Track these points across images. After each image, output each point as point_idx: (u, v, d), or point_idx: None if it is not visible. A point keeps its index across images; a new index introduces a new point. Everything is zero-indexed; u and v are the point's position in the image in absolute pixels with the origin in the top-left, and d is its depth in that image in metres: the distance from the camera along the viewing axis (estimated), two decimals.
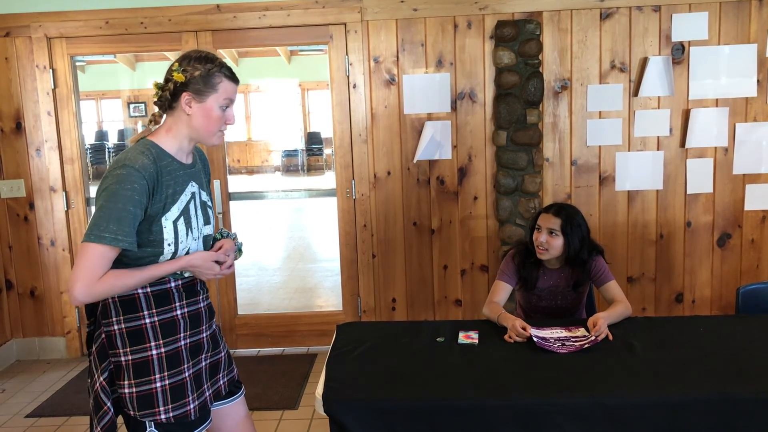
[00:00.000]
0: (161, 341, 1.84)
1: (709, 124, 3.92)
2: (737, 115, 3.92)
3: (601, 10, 3.87)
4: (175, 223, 1.83)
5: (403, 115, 4.02)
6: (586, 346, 2.30)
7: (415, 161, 4.04)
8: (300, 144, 15.50)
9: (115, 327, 1.82)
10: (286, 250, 7.92)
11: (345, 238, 4.21)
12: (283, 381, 3.83)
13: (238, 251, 2.08)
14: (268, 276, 6.53)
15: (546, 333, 2.41)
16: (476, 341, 2.41)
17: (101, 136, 15.27)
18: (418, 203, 4.10)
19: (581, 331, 2.44)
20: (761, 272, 4.06)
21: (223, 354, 2.07)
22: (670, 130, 3.95)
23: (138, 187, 1.73)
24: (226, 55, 12.07)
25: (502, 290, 2.74)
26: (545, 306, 2.78)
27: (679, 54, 3.88)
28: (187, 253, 1.88)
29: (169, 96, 1.84)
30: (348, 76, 4.03)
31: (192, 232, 1.89)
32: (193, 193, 1.91)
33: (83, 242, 1.73)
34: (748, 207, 4.00)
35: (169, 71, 1.86)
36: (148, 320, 1.83)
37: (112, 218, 1.70)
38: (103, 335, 1.84)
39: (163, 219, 1.80)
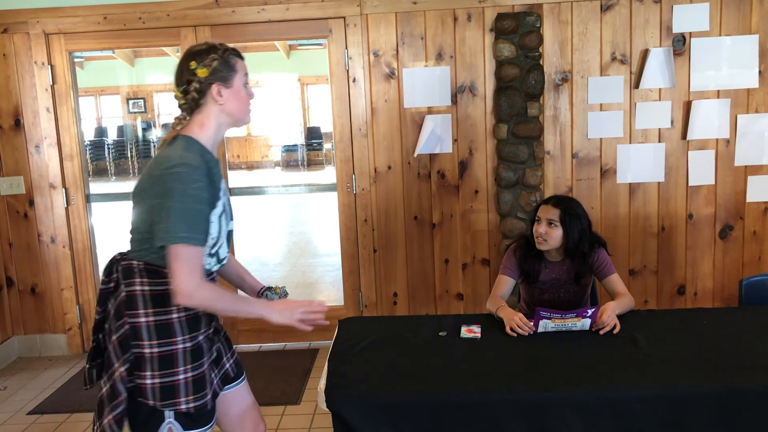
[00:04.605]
0: (187, 335, 1.88)
1: (711, 116, 3.90)
2: (739, 107, 3.90)
3: (602, 2, 3.85)
4: (219, 217, 1.88)
5: (404, 109, 4.01)
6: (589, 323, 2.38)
7: (415, 155, 4.03)
8: (300, 139, 15.47)
9: (143, 319, 1.85)
10: (287, 245, 7.92)
11: (346, 233, 4.20)
12: (284, 376, 3.83)
13: (285, 294, 2.33)
14: (269, 271, 6.52)
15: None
16: (479, 335, 2.41)
17: (100, 132, 15.26)
18: (418, 197, 4.09)
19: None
20: (763, 264, 4.05)
21: (222, 338, 2.12)
22: (672, 122, 3.94)
23: (202, 185, 1.77)
24: None
25: (505, 284, 2.74)
26: (548, 299, 2.78)
27: (680, 45, 3.86)
28: (215, 246, 1.91)
29: (196, 95, 1.86)
30: (347, 70, 4.01)
31: (228, 227, 1.94)
32: (224, 189, 1.95)
33: (173, 245, 1.74)
34: (749, 198, 3.99)
35: (189, 72, 1.87)
36: (175, 315, 1.86)
37: (194, 218, 1.76)
38: (127, 326, 1.85)
39: (213, 214, 1.84)
